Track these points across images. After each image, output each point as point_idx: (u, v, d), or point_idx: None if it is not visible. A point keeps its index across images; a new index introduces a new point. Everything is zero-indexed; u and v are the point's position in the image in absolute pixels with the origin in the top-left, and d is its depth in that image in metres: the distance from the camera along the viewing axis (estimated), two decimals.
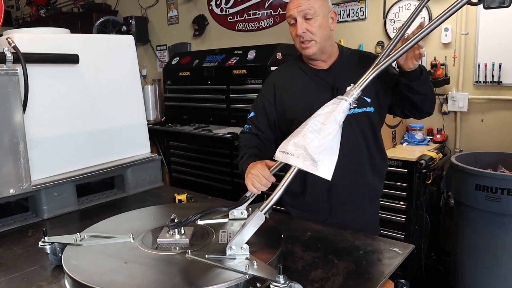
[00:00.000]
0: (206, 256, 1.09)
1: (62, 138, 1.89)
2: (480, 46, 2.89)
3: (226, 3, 4.29)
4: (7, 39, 1.73)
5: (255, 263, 1.03)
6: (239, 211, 1.37)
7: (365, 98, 1.63)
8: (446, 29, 2.99)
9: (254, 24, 4.08)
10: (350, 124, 1.61)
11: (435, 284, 2.91)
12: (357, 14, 3.40)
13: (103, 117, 2.04)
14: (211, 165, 3.65)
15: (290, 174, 1.18)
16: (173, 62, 4.14)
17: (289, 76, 1.76)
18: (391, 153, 2.67)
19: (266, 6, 3.98)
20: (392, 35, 3.23)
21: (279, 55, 3.32)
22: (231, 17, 4.29)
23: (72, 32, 2.09)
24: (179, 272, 1.08)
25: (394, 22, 3.21)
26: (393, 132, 2.84)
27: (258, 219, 1.12)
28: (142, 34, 5.00)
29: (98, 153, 2.02)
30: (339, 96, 1.25)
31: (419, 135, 2.96)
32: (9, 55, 1.64)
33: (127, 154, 2.14)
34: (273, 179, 1.36)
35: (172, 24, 4.85)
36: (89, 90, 1.98)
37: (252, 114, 1.80)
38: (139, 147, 2.21)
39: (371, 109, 1.65)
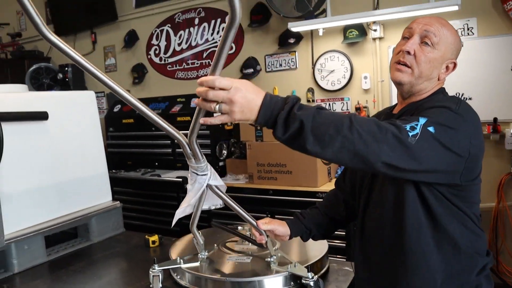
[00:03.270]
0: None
1: (31, 192, 1.97)
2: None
3: (165, 53, 4.53)
4: None
5: (296, 265, 1.40)
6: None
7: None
8: (365, 77, 3.48)
9: (193, 73, 4.36)
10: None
11: None
12: (288, 64, 3.82)
13: (68, 169, 2.15)
14: (159, 209, 3.77)
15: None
16: (115, 110, 4.26)
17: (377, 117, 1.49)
18: (328, 187, 3.00)
19: (204, 56, 4.28)
20: (320, 82, 3.68)
21: None
22: (170, 66, 4.53)
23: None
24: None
25: (321, 71, 3.65)
26: (328, 168, 3.19)
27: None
28: (79, 81, 5.05)
29: (65, 204, 2.11)
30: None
31: None
32: None
33: (91, 202, 2.25)
34: (259, 234, 1.45)
35: (110, 72, 4.97)
36: (55, 144, 2.09)
37: None
38: (102, 195, 2.34)
39: None
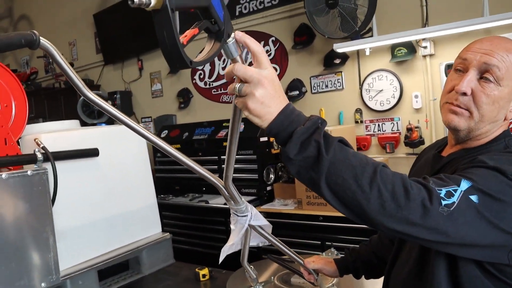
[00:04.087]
0: None
1: (84, 227, 2.00)
2: None
3: (209, 77, 4.58)
4: (35, 140, 1.88)
5: None
6: None
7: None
8: (416, 96, 3.34)
9: None
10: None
11: None
12: (335, 85, 3.74)
13: (119, 202, 2.17)
14: (207, 233, 3.77)
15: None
16: (162, 135, 4.33)
17: (420, 157, 1.34)
18: None
19: None
20: (368, 102, 3.57)
21: None
22: (215, 90, 4.56)
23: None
24: None
25: (369, 91, 3.55)
26: None
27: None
28: (127, 107, 5.21)
29: (116, 237, 2.13)
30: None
31: None
32: (39, 156, 1.78)
33: (141, 235, 2.25)
34: (307, 272, 1.46)
35: (157, 97, 5.09)
36: (106, 179, 2.11)
37: None
38: (152, 227, 2.33)
39: None
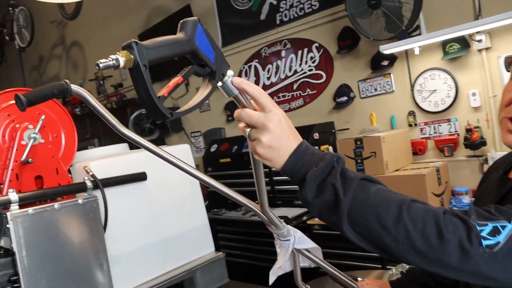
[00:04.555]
0: None
1: (137, 251, 2.01)
2: None
3: None
4: (84, 168, 1.92)
5: None
6: None
7: None
8: (473, 94, 3.12)
9: (285, 106, 4.30)
10: None
11: None
12: (384, 88, 3.59)
13: (170, 224, 2.17)
14: (262, 247, 3.72)
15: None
16: (212, 150, 4.35)
17: (489, 173, 1.20)
18: None
19: (294, 88, 4.21)
20: (421, 104, 3.39)
21: (316, 135, 3.49)
22: None
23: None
24: None
25: (421, 92, 3.37)
26: (441, 200, 2.89)
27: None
28: (176, 123, 5.29)
29: (169, 259, 2.13)
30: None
31: (466, 199, 2.99)
32: (89, 184, 1.81)
33: (194, 255, 2.25)
34: None
35: (204, 111, 5.13)
36: (155, 201, 2.12)
37: None
38: (204, 247, 2.32)
39: None
